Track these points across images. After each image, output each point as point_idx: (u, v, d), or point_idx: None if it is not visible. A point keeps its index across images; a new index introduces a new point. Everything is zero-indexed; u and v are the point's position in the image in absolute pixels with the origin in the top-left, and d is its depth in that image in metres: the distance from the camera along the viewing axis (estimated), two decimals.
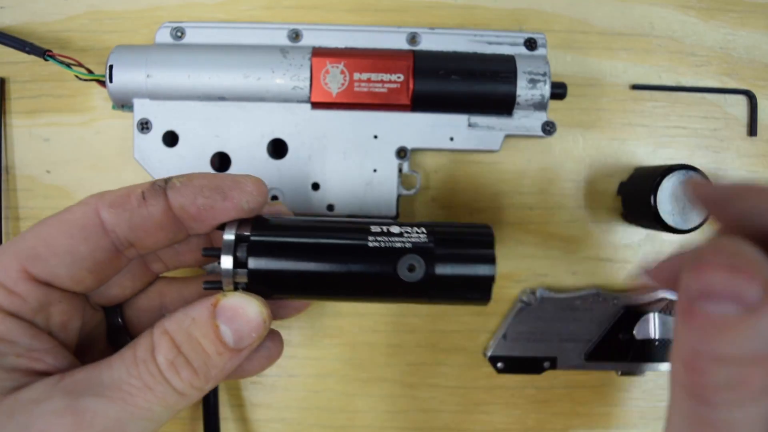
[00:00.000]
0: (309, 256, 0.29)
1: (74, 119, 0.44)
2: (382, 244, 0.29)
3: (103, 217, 0.28)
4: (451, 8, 0.44)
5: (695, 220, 0.39)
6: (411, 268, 0.29)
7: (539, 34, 0.41)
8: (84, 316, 0.31)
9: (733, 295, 0.19)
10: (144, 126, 0.40)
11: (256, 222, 0.30)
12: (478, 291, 0.30)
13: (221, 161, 0.40)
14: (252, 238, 0.29)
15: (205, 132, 0.40)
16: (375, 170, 0.40)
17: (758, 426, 0.20)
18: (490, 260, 0.30)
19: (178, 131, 0.40)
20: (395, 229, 0.30)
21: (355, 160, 0.40)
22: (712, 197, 0.26)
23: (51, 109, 0.44)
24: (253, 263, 0.29)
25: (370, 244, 0.29)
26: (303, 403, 0.44)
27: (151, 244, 0.30)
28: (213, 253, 0.30)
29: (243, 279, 0.29)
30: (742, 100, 0.44)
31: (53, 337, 0.28)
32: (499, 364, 0.43)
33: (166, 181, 0.29)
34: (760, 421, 0.20)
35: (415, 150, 0.41)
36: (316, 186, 0.40)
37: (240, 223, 0.30)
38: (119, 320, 0.33)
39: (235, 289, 0.29)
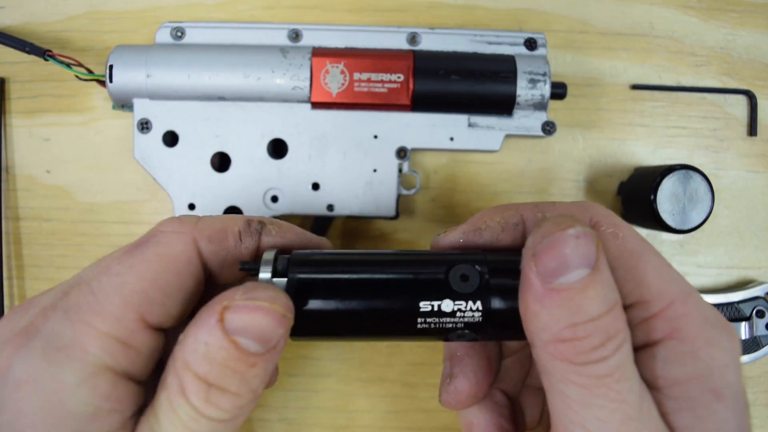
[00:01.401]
0: (361, 290, 0.27)
1: (74, 119, 0.44)
2: (433, 325, 0.27)
3: (203, 250, 0.27)
4: (451, 8, 0.44)
5: (695, 220, 0.39)
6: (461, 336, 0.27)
7: (539, 34, 0.41)
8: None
9: (580, 260, 0.23)
10: (144, 126, 0.40)
11: (294, 260, 0.28)
12: None
13: (221, 161, 0.40)
14: (296, 276, 0.27)
15: (205, 132, 0.40)
16: (375, 170, 0.40)
17: (630, 359, 0.23)
18: None
19: (178, 131, 0.40)
20: (446, 307, 0.27)
21: (355, 160, 0.40)
22: (454, 245, 0.30)
23: (51, 109, 0.44)
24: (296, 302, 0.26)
25: (419, 318, 0.27)
26: (303, 403, 0.44)
27: (228, 279, 0.29)
28: (251, 271, 0.28)
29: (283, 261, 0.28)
30: (742, 100, 0.44)
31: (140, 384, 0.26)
32: None
33: (262, 224, 0.29)
34: (630, 353, 0.23)
35: (415, 150, 0.41)
36: (316, 186, 0.40)
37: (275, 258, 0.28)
38: None
39: (275, 264, 0.27)
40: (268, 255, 0.27)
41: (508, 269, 0.27)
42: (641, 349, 0.25)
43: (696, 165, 0.39)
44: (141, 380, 0.25)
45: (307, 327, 0.27)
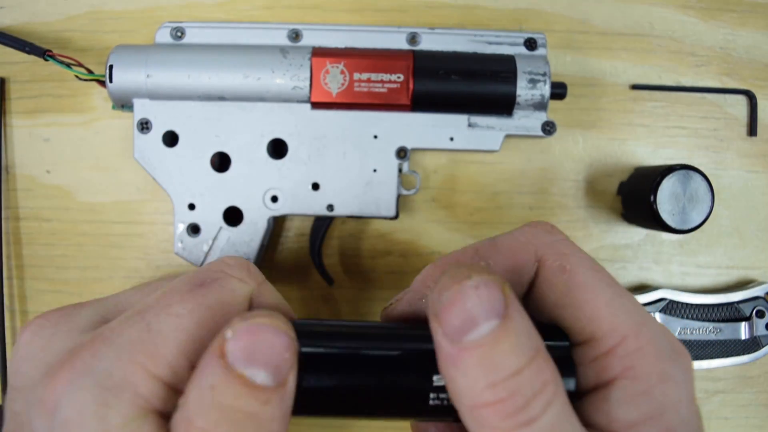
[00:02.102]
0: (362, 371, 0.25)
1: (74, 119, 0.44)
2: (446, 401, 0.25)
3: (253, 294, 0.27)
4: (451, 8, 0.44)
5: (695, 220, 0.39)
6: None
7: (539, 34, 0.41)
8: None
9: (485, 312, 0.21)
10: (144, 126, 0.40)
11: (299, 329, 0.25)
12: None
13: (221, 161, 0.40)
14: (303, 349, 0.24)
15: (205, 132, 0.40)
16: (375, 170, 0.40)
17: (566, 413, 0.21)
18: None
19: (178, 131, 0.40)
20: None
21: (354, 160, 0.40)
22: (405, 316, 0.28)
23: (51, 109, 0.44)
24: (305, 379, 0.24)
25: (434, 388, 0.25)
26: None
27: None
28: None
29: None
30: (742, 100, 0.44)
31: None
32: None
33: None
34: (565, 405, 0.21)
35: (414, 150, 0.41)
36: (316, 186, 0.40)
37: None
38: None
39: None
40: None
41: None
42: (594, 392, 0.24)
43: (696, 165, 0.39)
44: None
45: (310, 404, 0.24)
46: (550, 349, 0.22)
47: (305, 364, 0.24)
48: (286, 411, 0.22)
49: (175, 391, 0.23)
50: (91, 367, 0.22)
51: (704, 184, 0.39)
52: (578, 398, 0.24)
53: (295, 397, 0.23)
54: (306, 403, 0.24)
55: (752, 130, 0.44)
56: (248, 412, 0.21)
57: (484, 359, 0.20)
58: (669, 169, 0.39)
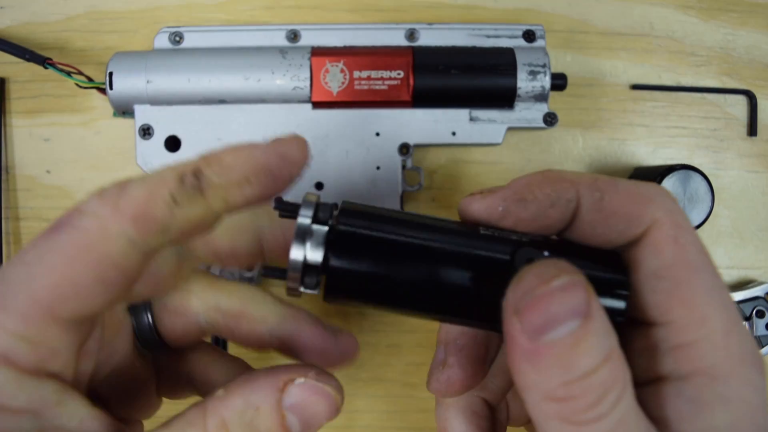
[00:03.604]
0: (415, 259, 0.24)
1: (74, 119, 0.44)
2: (495, 235, 0.24)
3: (129, 235, 0.22)
4: (450, 8, 0.44)
5: (695, 221, 0.39)
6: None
7: (537, 26, 0.41)
8: (104, 332, 0.27)
9: (568, 312, 0.20)
10: (146, 132, 0.40)
11: (344, 208, 0.25)
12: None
13: None
14: (340, 227, 0.24)
15: (207, 135, 0.40)
16: (378, 168, 0.40)
17: (632, 407, 0.21)
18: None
19: (180, 136, 0.40)
20: (510, 234, 0.25)
21: (357, 158, 0.40)
22: (485, 215, 0.25)
23: (51, 109, 0.44)
24: (338, 260, 0.23)
25: (482, 234, 0.24)
26: None
27: (188, 239, 0.25)
28: (273, 275, 0.25)
29: (311, 276, 0.24)
30: (742, 100, 0.44)
31: (79, 391, 0.24)
32: None
33: (197, 175, 0.22)
34: (632, 400, 0.21)
35: (417, 146, 0.41)
36: (319, 185, 0.40)
37: (317, 204, 0.24)
38: (148, 320, 0.29)
39: (302, 283, 0.24)
40: (311, 197, 0.24)
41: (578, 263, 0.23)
42: (665, 382, 0.23)
43: (696, 165, 0.40)
44: (67, 378, 0.23)
45: (348, 287, 0.24)
46: (606, 283, 0.23)
47: (349, 245, 0.23)
48: None
49: (35, 343, 0.21)
50: None
51: (704, 184, 0.39)
52: (647, 385, 0.23)
53: (333, 278, 0.23)
54: (346, 286, 0.24)
55: (752, 130, 0.44)
56: None
57: (562, 358, 0.20)
58: (669, 169, 0.39)
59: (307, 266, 0.23)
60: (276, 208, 0.25)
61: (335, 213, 0.25)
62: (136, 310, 0.29)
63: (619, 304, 0.24)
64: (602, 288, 0.23)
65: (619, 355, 0.21)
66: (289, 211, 0.24)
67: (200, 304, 0.29)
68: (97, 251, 0.22)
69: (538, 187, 0.25)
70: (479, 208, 0.25)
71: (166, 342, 0.30)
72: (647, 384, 0.23)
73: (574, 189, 0.24)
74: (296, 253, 0.23)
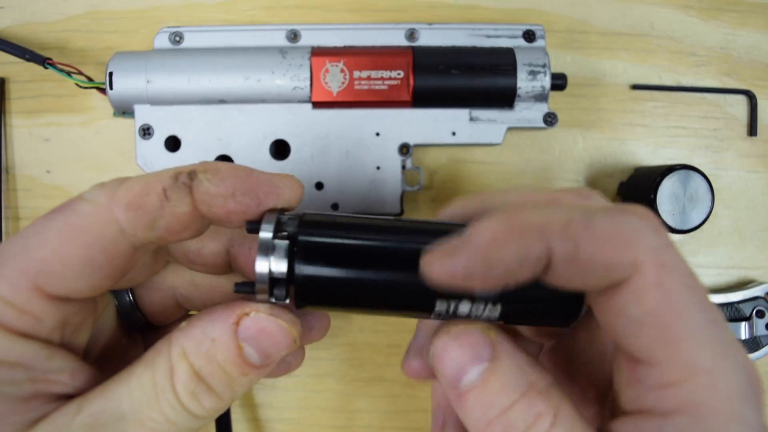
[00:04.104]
0: (375, 262, 0.24)
1: (74, 119, 0.44)
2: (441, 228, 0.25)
3: (121, 220, 0.24)
4: (451, 8, 0.44)
5: (695, 220, 0.39)
6: None
7: (537, 26, 0.41)
8: (96, 312, 0.28)
9: (475, 356, 0.23)
10: (146, 132, 0.40)
11: (304, 219, 0.25)
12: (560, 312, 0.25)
13: None
14: (301, 237, 0.24)
15: (207, 135, 0.40)
16: (378, 168, 0.40)
17: None
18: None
19: (180, 136, 0.40)
20: (464, 308, 0.25)
21: (357, 158, 0.40)
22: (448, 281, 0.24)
23: (51, 109, 0.44)
24: (303, 269, 0.24)
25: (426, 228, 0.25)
26: (303, 403, 0.44)
27: (173, 241, 0.26)
28: (244, 290, 0.25)
29: (281, 288, 0.25)
30: (742, 100, 0.44)
31: (68, 349, 0.25)
32: None
33: (191, 175, 0.24)
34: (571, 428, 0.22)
35: (417, 146, 0.41)
36: (320, 185, 0.40)
37: (278, 219, 0.25)
38: (129, 298, 0.31)
39: (271, 294, 0.25)
40: (270, 214, 0.25)
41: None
42: (646, 416, 0.22)
43: (696, 165, 0.40)
44: (53, 342, 0.24)
45: (313, 295, 0.25)
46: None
47: (313, 254, 0.24)
48: (252, 384, 0.25)
49: (21, 311, 0.23)
50: None
51: (704, 184, 0.39)
52: (632, 415, 0.23)
53: (317, 290, 0.24)
54: (312, 293, 0.25)
55: (752, 130, 0.44)
56: (228, 373, 0.24)
57: (479, 399, 0.22)
58: (669, 169, 0.39)
59: (273, 279, 0.24)
60: (247, 229, 0.26)
61: (295, 228, 0.25)
62: (117, 293, 0.31)
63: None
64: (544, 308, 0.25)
65: (541, 389, 0.22)
66: (254, 225, 0.25)
67: (176, 278, 0.31)
68: (88, 233, 0.24)
69: (504, 244, 0.22)
70: (440, 272, 0.22)
71: (149, 319, 0.32)
72: (633, 414, 0.23)
73: (543, 243, 0.22)
74: (261, 266, 0.24)
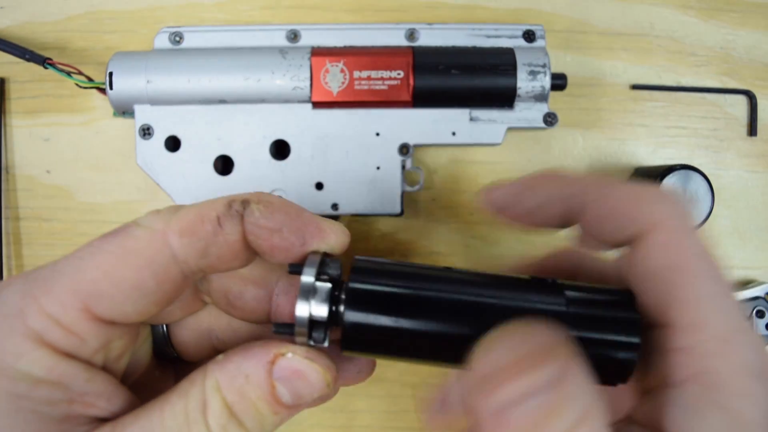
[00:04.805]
0: (425, 311, 0.24)
1: (74, 119, 0.44)
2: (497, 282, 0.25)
3: (174, 246, 0.24)
4: (450, 8, 0.44)
5: (695, 220, 0.39)
6: None
7: (537, 26, 0.41)
8: (137, 339, 0.29)
9: (534, 388, 0.20)
10: (146, 132, 0.40)
11: (355, 265, 0.25)
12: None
13: (224, 164, 0.40)
14: (351, 284, 0.25)
15: (207, 136, 0.40)
16: (378, 168, 0.40)
17: None
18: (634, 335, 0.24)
19: (180, 136, 0.40)
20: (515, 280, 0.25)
21: (357, 158, 0.40)
22: (501, 201, 0.28)
23: (51, 109, 0.44)
24: (352, 316, 0.24)
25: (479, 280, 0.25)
26: None
27: (222, 269, 0.27)
28: (283, 331, 0.25)
29: (319, 331, 0.25)
30: (742, 100, 0.44)
31: (108, 372, 0.25)
32: None
33: (244, 204, 0.25)
34: None
35: (417, 146, 0.41)
36: (320, 185, 0.40)
37: (321, 261, 0.25)
38: (163, 330, 0.31)
39: (309, 337, 0.25)
40: (314, 256, 0.25)
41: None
42: (657, 389, 0.23)
43: (696, 165, 0.40)
44: (95, 364, 0.25)
45: (360, 341, 0.25)
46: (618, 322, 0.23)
47: (359, 299, 0.24)
48: (283, 422, 0.25)
49: (69, 331, 0.23)
50: None
51: (704, 184, 0.39)
52: (650, 392, 0.23)
53: (348, 333, 0.24)
54: (358, 339, 0.25)
55: (752, 130, 0.44)
56: (259, 410, 0.24)
57: (550, 422, 0.20)
58: (669, 169, 0.39)
59: (313, 322, 0.25)
60: (290, 272, 0.26)
61: (338, 271, 0.26)
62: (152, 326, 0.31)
63: (629, 356, 0.24)
64: (604, 346, 0.23)
65: (595, 414, 0.20)
66: (297, 267, 0.25)
67: (213, 320, 0.31)
68: (141, 257, 0.24)
69: (548, 179, 0.27)
70: (497, 194, 0.28)
71: (180, 354, 0.32)
72: (651, 391, 0.23)
73: (578, 185, 0.26)
74: (302, 310, 0.24)
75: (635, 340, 0.23)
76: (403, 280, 0.25)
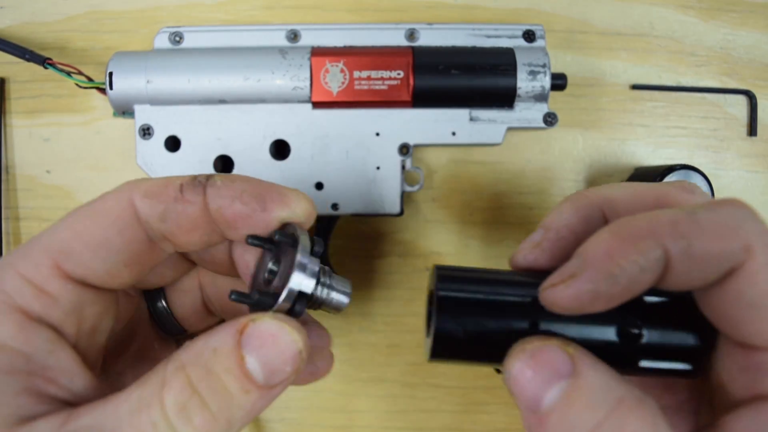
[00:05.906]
0: (509, 315, 0.25)
1: (74, 119, 0.44)
2: None
3: (137, 206, 0.25)
4: (450, 8, 0.44)
5: None
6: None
7: (537, 26, 0.41)
8: (118, 312, 0.28)
9: (554, 374, 0.21)
10: (146, 132, 0.40)
11: (441, 273, 0.26)
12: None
13: (224, 164, 0.40)
14: (441, 292, 0.26)
15: (207, 135, 0.40)
16: (378, 168, 0.40)
17: None
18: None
19: (179, 136, 0.40)
20: None
21: (357, 158, 0.40)
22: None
23: (51, 109, 0.44)
24: (443, 323, 0.25)
25: None
26: (303, 403, 0.44)
27: (185, 243, 0.27)
28: (263, 300, 0.25)
29: (302, 303, 0.25)
30: (742, 100, 0.44)
31: (77, 349, 0.25)
32: None
33: (208, 177, 0.26)
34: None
35: (417, 146, 0.41)
36: (319, 185, 0.40)
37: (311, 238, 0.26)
38: (162, 303, 0.32)
39: (292, 309, 0.25)
40: (300, 230, 0.26)
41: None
42: (763, 400, 0.22)
43: (696, 165, 0.40)
44: (65, 334, 0.25)
45: (452, 348, 0.26)
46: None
47: (450, 308, 0.25)
48: (257, 410, 0.23)
49: (41, 291, 0.24)
50: None
51: (704, 184, 0.39)
52: (738, 406, 0.23)
53: (439, 340, 0.25)
54: (448, 346, 0.25)
55: (752, 130, 0.44)
56: (226, 387, 0.22)
57: (562, 421, 0.21)
58: (669, 169, 0.39)
59: (301, 294, 0.25)
60: (248, 238, 0.26)
61: (322, 248, 0.27)
62: (150, 298, 0.32)
63: (684, 366, 0.25)
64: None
65: (631, 405, 0.21)
66: (256, 239, 0.26)
67: (202, 278, 0.32)
68: (108, 216, 0.25)
69: (622, 255, 0.22)
70: (567, 299, 0.23)
71: (184, 325, 0.33)
72: (749, 402, 0.23)
73: (659, 246, 0.22)
74: (296, 282, 0.25)
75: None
76: (485, 285, 0.26)
